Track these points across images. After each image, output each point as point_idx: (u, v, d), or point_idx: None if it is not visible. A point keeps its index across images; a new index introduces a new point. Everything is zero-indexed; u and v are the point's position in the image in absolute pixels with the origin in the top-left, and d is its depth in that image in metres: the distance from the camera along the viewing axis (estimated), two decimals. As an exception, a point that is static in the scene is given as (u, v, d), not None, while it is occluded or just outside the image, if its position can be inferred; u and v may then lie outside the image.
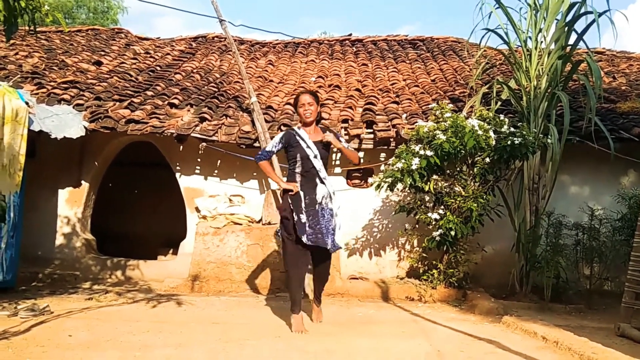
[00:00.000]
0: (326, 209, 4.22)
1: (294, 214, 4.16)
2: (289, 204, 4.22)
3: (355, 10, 49.59)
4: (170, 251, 7.97)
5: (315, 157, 4.21)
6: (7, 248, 5.42)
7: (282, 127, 6.37)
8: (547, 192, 5.99)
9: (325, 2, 52.75)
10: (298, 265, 4.23)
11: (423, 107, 7.15)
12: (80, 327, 4.03)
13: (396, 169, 5.56)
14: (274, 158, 5.77)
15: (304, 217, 4.14)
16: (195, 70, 8.89)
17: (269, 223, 6.46)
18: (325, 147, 4.30)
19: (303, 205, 4.17)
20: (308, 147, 4.22)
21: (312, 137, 4.28)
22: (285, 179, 4.43)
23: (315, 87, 8.20)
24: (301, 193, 4.20)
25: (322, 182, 4.24)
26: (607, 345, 3.62)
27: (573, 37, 6.07)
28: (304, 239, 4.10)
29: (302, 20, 50.13)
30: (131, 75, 8.34)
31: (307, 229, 4.12)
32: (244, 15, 54.22)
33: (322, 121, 6.70)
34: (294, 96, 4.58)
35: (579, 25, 6.02)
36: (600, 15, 5.61)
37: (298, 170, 4.26)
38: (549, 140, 5.69)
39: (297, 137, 4.26)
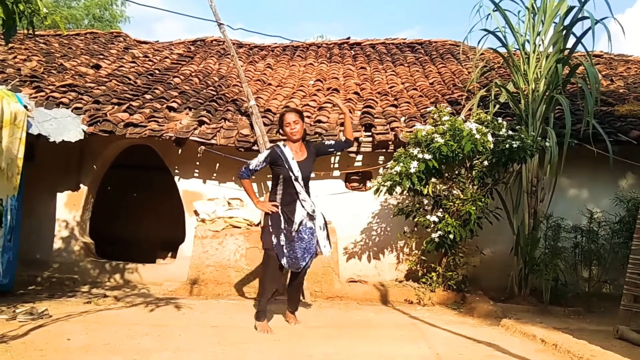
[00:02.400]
0: (305, 229, 4.30)
1: (273, 236, 4.27)
2: (268, 225, 4.32)
3: (354, 15, 49.72)
4: (169, 254, 7.96)
5: (296, 179, 4.26)
6: (5, 251, 5.40)
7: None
8: (545, 195, 5.99)
9: (324, 7, 52.86)
10: (275, 280, 4.44)
11: (421, 110, 7.15)
12: (79, 331, 4.02)
13: (394, 173, 5.56)
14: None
15: (282, 239, 4.25)
16: (193, 74, 8.89)
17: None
18: (308, 166, 4.37)
19: (282, 226, 4.27)
20: (290, 168, 4.26)
21: (296, 157, 4.33)
22: (266, 195, 4.50)
23: (313, 90, 8.22)
24: (281, 215, 4.29)
25: (302, 205, 4.30)
26: (606, 347, 3.63)
27: (571, 40, 6.09)
28: (283, 261, 4.24)
29: (301, 24, 50.25)
30: (130, 79, 8.34)
31: (284, 251, 4.24)
32: (243, 19, 54.35)
33: (320, 124, 6.73)
34: (279, 115, 4.67)
35: (577, 29, 6.01)
36: (597, 22, 5.61)
37: (280, 189, 4.33)
38: (547, 144, 5.69)
39: (282, 156, 4.28)
